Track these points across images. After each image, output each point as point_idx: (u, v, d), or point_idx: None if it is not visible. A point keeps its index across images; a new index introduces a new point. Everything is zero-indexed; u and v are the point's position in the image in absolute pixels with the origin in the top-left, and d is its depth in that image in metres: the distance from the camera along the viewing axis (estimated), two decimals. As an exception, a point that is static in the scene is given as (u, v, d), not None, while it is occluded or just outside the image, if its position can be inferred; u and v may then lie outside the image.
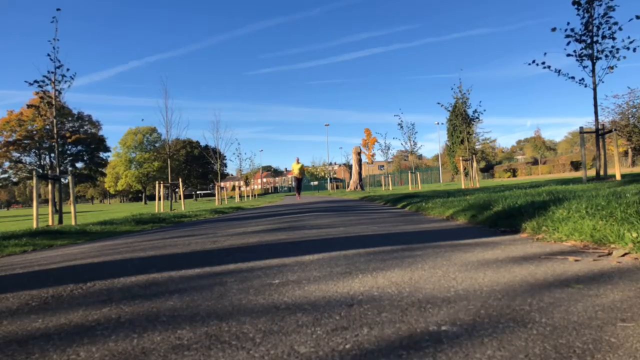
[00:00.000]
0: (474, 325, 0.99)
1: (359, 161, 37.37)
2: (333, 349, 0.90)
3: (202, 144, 55.76)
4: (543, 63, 8.25)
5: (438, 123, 56.49)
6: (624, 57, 7.57)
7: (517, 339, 0.90)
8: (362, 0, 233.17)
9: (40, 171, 47.50)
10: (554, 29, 8.02)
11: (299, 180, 19.57)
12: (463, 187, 13.25)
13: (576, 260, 1.65)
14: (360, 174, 37.13)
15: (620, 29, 7.52)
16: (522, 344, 0.87)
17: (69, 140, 52.88)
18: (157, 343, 1.00)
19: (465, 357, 0.82)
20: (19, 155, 51.88)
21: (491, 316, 1.05)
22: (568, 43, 7.89)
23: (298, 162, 18.99)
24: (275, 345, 0.94)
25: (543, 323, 0.98)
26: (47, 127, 42.73)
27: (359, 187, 35.70)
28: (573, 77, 8.10)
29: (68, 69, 8.24)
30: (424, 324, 1.01)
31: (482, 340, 0.89)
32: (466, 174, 14.91)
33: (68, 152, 55.37)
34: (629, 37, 7.54)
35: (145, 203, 56.94)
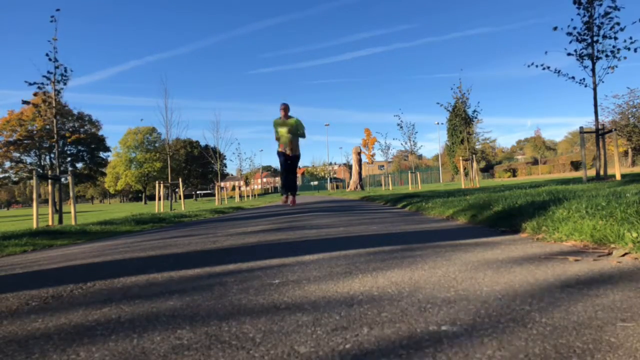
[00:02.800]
0: (474, 325, 0.99)
1: (359, 161, 37.40)
2: (333, 349, 0.90)
3: (202, 144, 55.81)
4: (542, 65, 8.25)
5: (438, 123, 56.53)
6: (625, 58, 7.57)
7: (517, 339, 0.90)
8: (362, 0, 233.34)
9: (41, 171, 47.46)
10: (555, 28, 8.02)
11: (289, 160, 8.80)
12: (463, 187, 13.25)
13: (576, 260, 1.65)
14: (360, 174, 37.15)
15: (621, 29, 7.52)
16: (522, 344, 0.87)
17: (69, 140, 52.87)
18: (157, 343, 1.00)
19: (465, 357, 0.82)
20: (19, 155, 51.85)
21: (491, 316, 1.05)
22: (570, 42, 7.89)
23: (286, 114, 8.63)
24: (275, 345, 0.94)
25: (543, 323, 0.98)
26: (47, 127, 42.73)
27: (359, 187, 35.71)
28: (573, 77, 8.11)
29: (66, 69, 8.24)
30: (424, 324, 1.01)
31: (482, 340, 0.89)
32: (466, 174, 14.92)
33: (68, 152, 55.33)
34: (630, 38, 7.53)
35: (145, 203, 56.94)
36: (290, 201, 9.23)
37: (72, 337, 1.08)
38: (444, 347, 0.87)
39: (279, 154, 8.90)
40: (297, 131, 8.68)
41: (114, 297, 1.49)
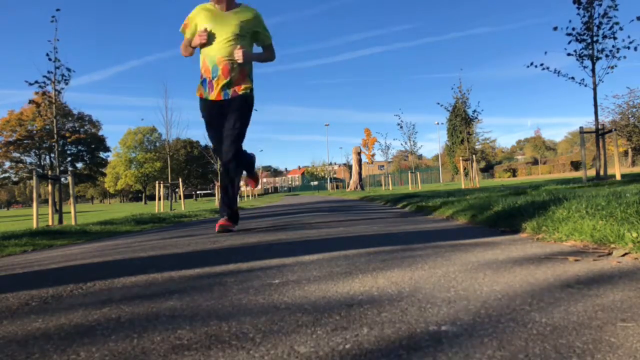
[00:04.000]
0: (474, 325, 0.99)
1: (359, 161, 37.43)
2: (333, 348, 0.90)
3: (202, 144, 55.74)
4: (542, 65, 8.26)
5: (438, 123, 56.60)
6: (624, 57, 7.58)
7: (517, 339, 0.90)
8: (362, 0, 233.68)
9: (41, 171, 47.44)
10: (555, 28, 8.02)
11: (226, 120, 3.54)
12: (463, 187, 13.25)
13: (576, 260, 1.65)
14: (360, 174, 37.17)
15: (621, 28, 7.53)
16: (522, 344, 0.87)
17: (69, 140, 52.87)
18: (157, 343, 1.00)
19: (465, 357, 0.82)
20: (19, 155, 51.87)
21: (491, 316, 1.05)
22: (570, 42, 7.89)
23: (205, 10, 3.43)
24: (275, 345, 0.94)
25: (543, 323, 0.98)
26: (47, 127, 42.75)
27: (359, 187, 35.73)
28: (573, 78, 8.11)
29: (67, 69, 8.25)
30: (424, 324, 1.01)
31: (482, 340, 0.89)
32: (466, 174, 14.92)
33: (68, 152, 55.33)
34: (629, 37, 7.54)
35: (145, 203, 56.95)
36: (224, 223, 3.81)
37: (72, 337, 1.08)
38: (444, 347, 0.87)
39: (202, 109, 3.80)
40: (253, 38, 3.65)
41: (114, 297, 1.49)
